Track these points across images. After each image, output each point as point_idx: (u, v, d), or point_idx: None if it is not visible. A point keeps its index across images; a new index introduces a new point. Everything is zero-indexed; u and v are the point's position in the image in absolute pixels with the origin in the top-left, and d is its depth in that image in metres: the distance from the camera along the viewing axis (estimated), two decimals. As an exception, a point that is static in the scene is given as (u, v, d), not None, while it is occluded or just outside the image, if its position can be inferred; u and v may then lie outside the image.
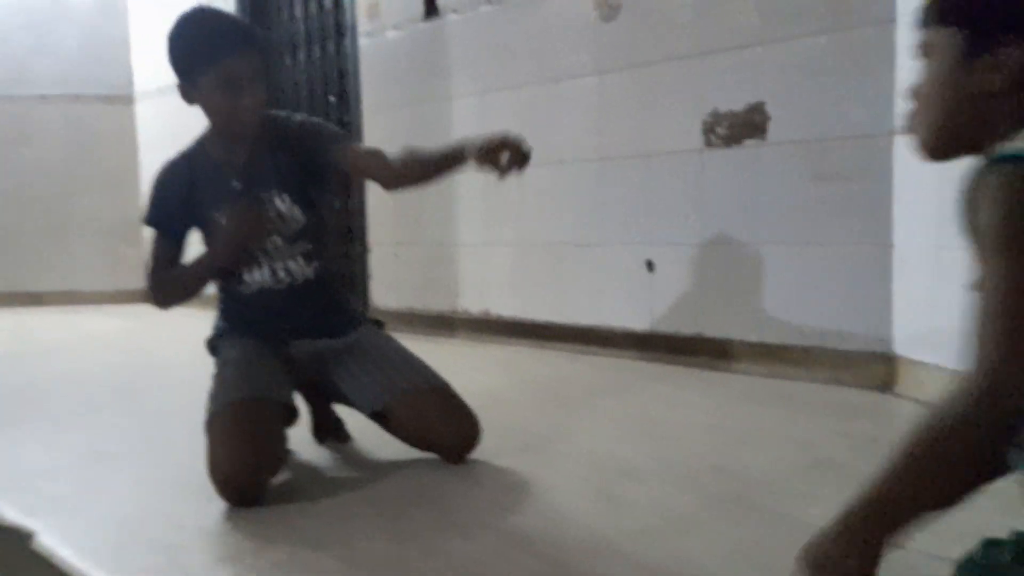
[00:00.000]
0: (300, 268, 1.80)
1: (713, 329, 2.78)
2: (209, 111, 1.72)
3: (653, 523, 1.37)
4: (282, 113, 1.83)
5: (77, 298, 5.49)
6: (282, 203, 1.77)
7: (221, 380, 1.69)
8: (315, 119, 1.83)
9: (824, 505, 1.44)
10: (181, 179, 1.79)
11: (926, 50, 0.93)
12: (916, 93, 0.95)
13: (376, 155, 1.77)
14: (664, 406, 2.28)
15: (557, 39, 3.14)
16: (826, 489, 1.54)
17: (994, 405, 0.75)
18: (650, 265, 2.92)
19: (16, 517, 1.47)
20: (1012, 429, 0.79)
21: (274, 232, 1.77)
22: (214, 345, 1.85)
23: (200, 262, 1.76)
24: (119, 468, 1.78)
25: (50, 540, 1.36)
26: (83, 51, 5.46)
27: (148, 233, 1.84)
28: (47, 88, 5.43)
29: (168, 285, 1.79)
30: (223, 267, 1.78)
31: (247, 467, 1.51)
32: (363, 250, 4.02)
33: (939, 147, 0.93)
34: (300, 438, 1.86)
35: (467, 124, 3.48)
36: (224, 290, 1.86)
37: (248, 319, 1.82)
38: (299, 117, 1.82)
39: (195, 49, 1.66)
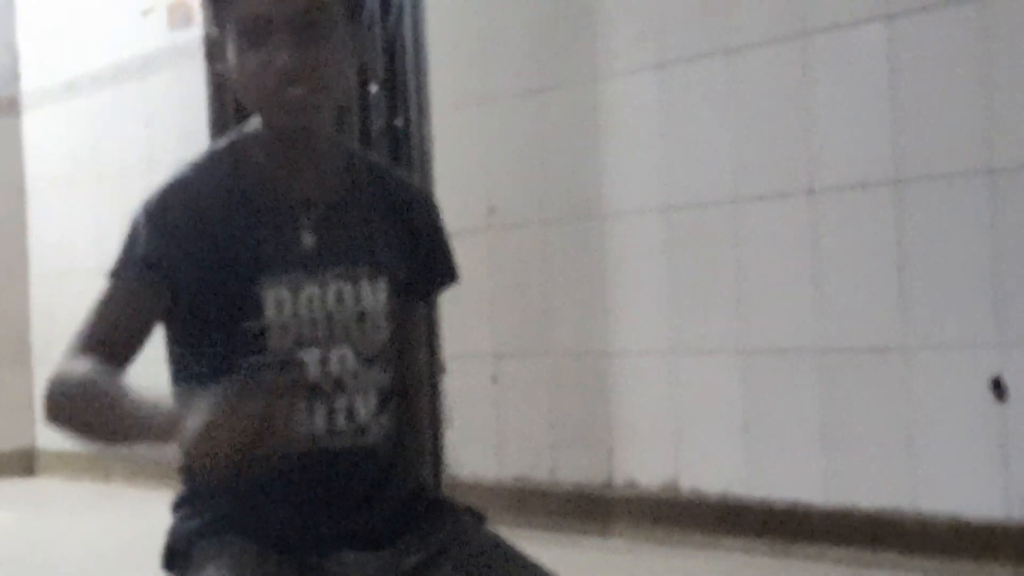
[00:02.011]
0: (372, 415, 1.79)
1: None
2: (237, 82, 1.74)
3: None
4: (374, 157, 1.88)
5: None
6: (374, 293, 1.78)
7: None
8: (436, 202, 1.91)
9: None
10: (213, 210, 1.75)
11: None
12: None
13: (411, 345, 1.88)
14: None
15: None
16: None
17: None
18: (998, 387, 2.83)
19: None
20: None
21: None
22: (182, 553, 1.82)
23: (134, 418, 1.75)
24: None
25: None
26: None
27: (94, 291, 1.82)
28: None
29: (85, 401, 1.75)
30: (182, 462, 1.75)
31: None
32: (431, 370, 4.03)
33: None
34: None
35: (636, 125, 3.54)
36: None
37: (258, 508, 1.78)
38: (415, 182, 1.90)
39: None
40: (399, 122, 4.19)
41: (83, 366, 1.63)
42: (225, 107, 4.80)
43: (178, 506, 1.83)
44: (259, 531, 1.73)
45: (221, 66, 1.72)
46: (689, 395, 3.46)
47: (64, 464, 5.63)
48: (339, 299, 1.76)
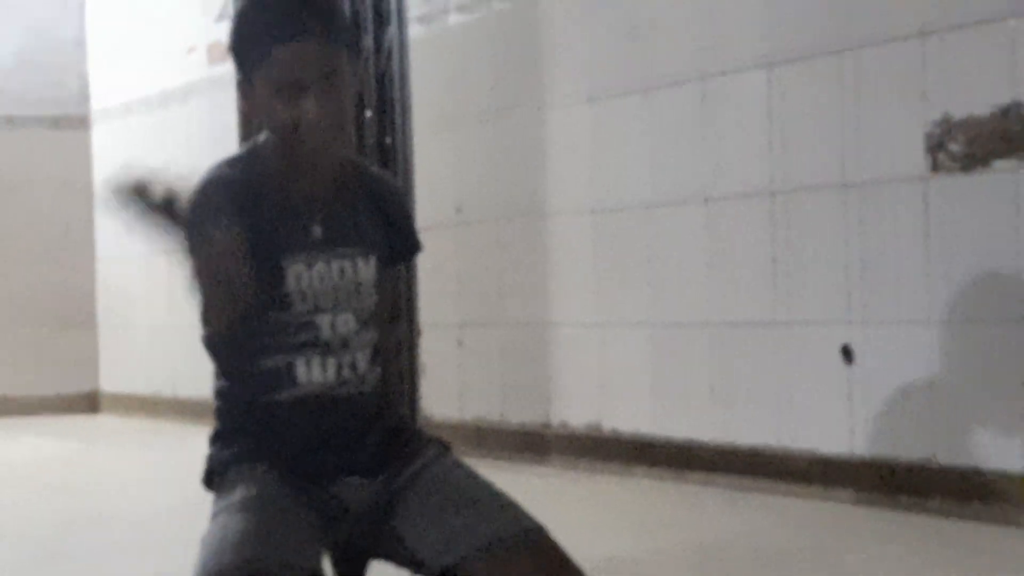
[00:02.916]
0: (367, 366, 1.81)
1: (954, 452, 2.70)
2: (266, 122, 1.73)
3: None
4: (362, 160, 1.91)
5: (5, 407, 5.61)
6: (366, 269, 1.80)
7: (224, 528, 1.65)
8: (403, 191, 1.94)
9: None
10: (249, 199, 1.72)
11: None
12: None
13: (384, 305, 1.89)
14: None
15: (705, 15, 3.19)
16: None
17: None
18: (847, 353, 2.87)
19: None
20: None
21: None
22: (218, 475, 1.82)
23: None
24: None
25: None
26: (24, 58, 5.72)
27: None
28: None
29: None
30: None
31: None
32: (410, 334, 4.04)
33: None
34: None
35: (573, 146, 3.55)
36: (237, 397, 1.83)
37: (278, 443, 1.78)
38: (389, 176, 1.96)
39: (250, 30, 1.70)
40: (388, 140, 4.19)
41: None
42: (252, 129, 4.79)
43: (214, 439, 1.85)
44: (279, 460, 1.74)
45: (245, 106, 1.72)
46: (610, 357, 3.47)
47: (121, 404, 5.62)
48: (341, 273, 1.79)
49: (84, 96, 5.81)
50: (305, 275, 1.73)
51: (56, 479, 3.80)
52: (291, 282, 1.73)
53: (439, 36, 3.96)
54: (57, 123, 5.78)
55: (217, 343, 1.69)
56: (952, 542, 2.49)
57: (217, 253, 1.68)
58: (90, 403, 5.79)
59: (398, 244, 1.87)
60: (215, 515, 1.70)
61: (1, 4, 5.74)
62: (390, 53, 4.17)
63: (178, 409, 5.01)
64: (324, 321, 1.76)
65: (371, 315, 1.82)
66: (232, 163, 1.77)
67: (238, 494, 1.69)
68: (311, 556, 1.66)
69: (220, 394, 1.83)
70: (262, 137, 1.77)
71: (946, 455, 2.71)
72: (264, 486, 1.70)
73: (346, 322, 1.77)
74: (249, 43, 1.68)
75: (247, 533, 1.60)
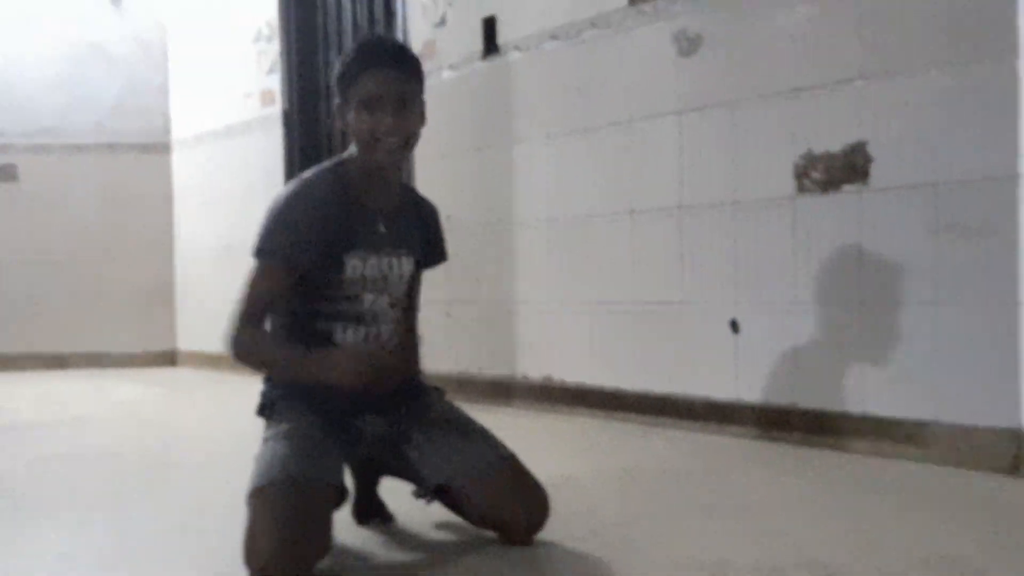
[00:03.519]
0: (390, 338, 1.83)
1: (809, 399, 2.72)
2: (353, 133, 1.75)
3: (747, 628, 1.31)
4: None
5: (103, 361, 5.64)
6: (408, 266, 1.86)
7: (273, 450, 1.64)
8: (439, 213, 2.03)
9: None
10: (323, 205, 1.72)
11: None
12: None
13: (412, 311, 1.98)
14: (757, 492, 2.21)
15: (632, 77, 3.18)
16: (952, 591, 1.46)
17: None
18: (734, 325, 2.89)
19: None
20: None
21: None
22: (268, 408, 1.79)
23: (301, 365, 1.69)
24: (148, 561, 1.72)
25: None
26: (120, 99, 5.70)
27: (246, 266, 1.75)
28: (83, 138, 5.66)
29: (256, 350, 1.72)
30: (322, 383, 1.68)
31: (291, 553, 1.48)
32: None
33: None
34: (340, 519, 1.84)
35: (533, 172, 3.54)
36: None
37: (318, 388, 1.73)
38: (431, 201, 2.01)
39: (348, 64, 1.74)
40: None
41: (252, 321, 1.71)
42: (293, 157, 4.78)
43: (267, 381, 1.86)
44: (317, 401, 1.76)
45: (340, 122, 1.77)
46: (561, 329, 3.47)
47: (193, 360, 5.58)
48: (390, 266, 1.82)
49: (166, 129, 5.78)
50: (360, 265, 1.77)
51: (148, 413, 3.81)
52: (348, 269, 1.76)
53: (435, 88, 3.94)
54: (146, 149, 5.76)
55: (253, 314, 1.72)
56: (809, 465, 2.51)
57: (262, 270, 1.72)
58: (170, 359, 5.80)
59: (432, 254, 1.96)
60: (265, 440, 1.72)
61: (107, 62, 5.69)
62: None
63: (235, 364, 4.98)
64: (367, 299, 1.79)
65: (399, 300, 1.85)
66: (315, 177, 1.78)
67: (283, 425, 1.72)
68: (335, 472, 1.69)
69: None
70: (347, 153, 1.80)
71: (805, 401, 2.74)
72: (302, 420, 1.73)
73: (381, 302, 1.80)
74: (347, 73, 1.74)
75: (288, 455, 1.63)
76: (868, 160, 2.56)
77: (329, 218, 1.72)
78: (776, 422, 2.80)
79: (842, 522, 1.90)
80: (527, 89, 3.53)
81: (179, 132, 5.72)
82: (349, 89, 1.71)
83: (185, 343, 5.71)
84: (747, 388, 2.88)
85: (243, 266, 1.78)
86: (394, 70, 1.70)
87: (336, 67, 1.75)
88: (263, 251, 1.70)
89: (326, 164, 1.80)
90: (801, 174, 2.72)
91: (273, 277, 1.72)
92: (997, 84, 2.31)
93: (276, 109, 4.88)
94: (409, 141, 1.75)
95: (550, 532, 1.76)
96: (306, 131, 4.78)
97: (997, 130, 2.32)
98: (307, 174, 1.78)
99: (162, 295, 5.73)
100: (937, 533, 1.80)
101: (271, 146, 4.91)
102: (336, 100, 1.76)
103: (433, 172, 3.90)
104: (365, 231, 1.77)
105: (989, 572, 1.56)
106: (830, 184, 2.65)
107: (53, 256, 5.63)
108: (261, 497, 1.56)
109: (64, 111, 5.64)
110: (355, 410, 1.79)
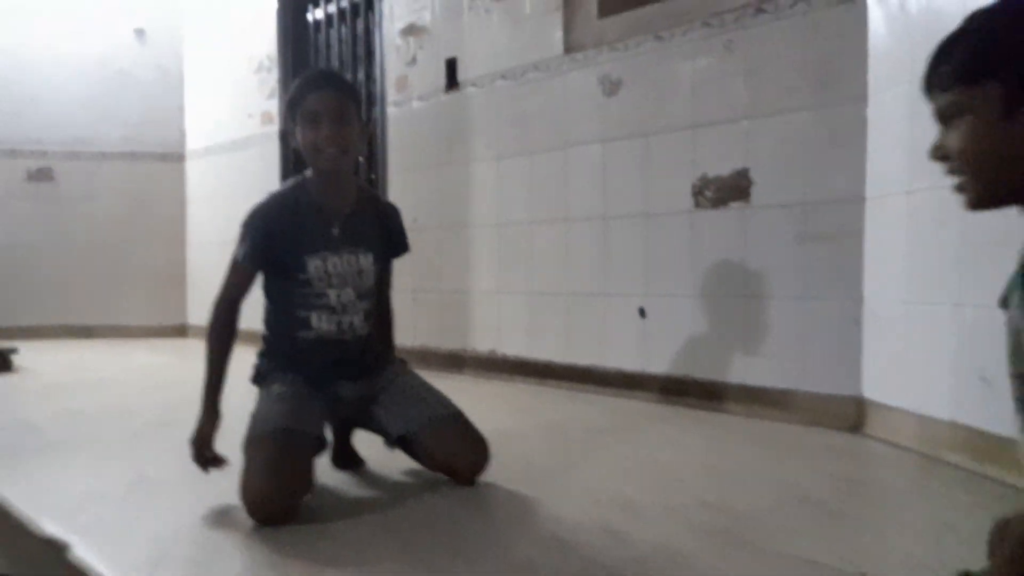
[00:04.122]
0: (361, 325, 1.80)
1: (701, 372, 2.76)
2: (301, 147, 1.70)
3: (648, 555, 1.33)
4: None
5: (124, 332, 5.50)
6: (366, 261, 1.78)
7: (266, 408, 1.65)
8: (401, 217, 1.94)
9: (806, 539, 1.40)
10: (285, 216, 1.70)
11: (953, 112, 0.86)
12: (953, 154, 0.87)
13: (384, 294, 1.96)
14: (658, 444, 2.24)
15: (566, 111, 3.18)
16: (807, 524, 1.50)
17: None
18: (643, 312, 2.92)
19: (55, 531, 1.44)
20: None
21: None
22: (261, 376, 1.79)
23: (204, 394, 1.71)
24: (159, 493, 1.74)
25: (85, 553, 1.32)
26: (143, 115, 5.54)
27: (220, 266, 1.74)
28: (110, 147, 5.50)
29: (214, 339, 1.73)
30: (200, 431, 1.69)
31: (280, 492, 1.48)
32: (385, 295, 4.02)
33: (990, 201, 0.86)
34: (321, 464, 1.82)
35: (485, 185, 3.52)
36: (277, 332, 1.81)
37: (301, 361, 1.75)
38: (390, 202, 1.95)
39: (294, 91, 1.69)
40: (374, 177, 4.15)
41: (225, 310, 1.70)
42: (289, 167, 4.71)
43: (261, 354, 1.84)
44: (303, 372, 1.75)
45: (293, 142, 1.72)
46: (504, 312, 3.46)
47: (201, 333, 5.43)
48: (350, 263, 1.78)
49: (182, 142, 5.62)
50: (321, 264, 1.72)
51: (162, 377, 3.70)
52: (311, 269, 1.72)
53: (406, 115, 3.92)
54: (164, 158, 5.60)
55: (229, 301, 1.73)
56: (701, 424, 2.54)
57: (234, 266, 1.70)
58: (181, 331, 5.65)
59: (395, 245, 1.90)
60: (260, 401, 1.70)
61: (131, 84, 5.53)
62: (376, 124, 4.14)
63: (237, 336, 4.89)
64: (332, 294, 1.76)
65: (366, 291, 1.81)
66: (281, 192, 1.76)
67: (275, 389, 1.70)
68: (317, 426, 1.68)
69: (267, 328, 1.82)
70: (307, 173, 1.76)
71: (697, 373, 2.78)
72: (291, 384, 1.71)
73: (348, 295, 1.77)
74: (294, 98, 1.70)
75: (279, 411, 1.62)
76: (750, 183, 2.60)
77: (286, 226, 1.70)
78: (675, 389, 2.83)
79: (726, 470, 1.94)
80: (481, 118, 3.51)
81: (192, 144, 5.57)
82: (295, 110, 1.67)
83: (194, 318, 5.59)
84: (652, 362, 2.91)
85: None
86: (331, 89, 1.66)
87: (287, 95, 1.71)
88: (235, 254, 1.72)
89: (291, 180, 1.78)
90: (698, 193, 2.75)
91: (241, 274, 1.72)
92: (850, 124, 2.37)
93: (274, 128, 4.79)
94: (348, 150, 1.68)
95: (491, 475, 1.77)
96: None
97: (849, 161, 2.37)
98: (275, 190, 1.77)
99: (175, 277, 5.59)
100: (798, 478, 1.84)
101: (269, 158, 4.82)
102: (289, 124, 1.72)
103: (404, 183, 3.87)
104: (321, 235, 1.73)
105: (834, 506, 1.61)
106: (720, 201, 2.69)
107: (82, 244, 5.47)
108: (255, 445, 1.55)
109: (94, 124, 5.47)
110: (334, 378, 1.78)
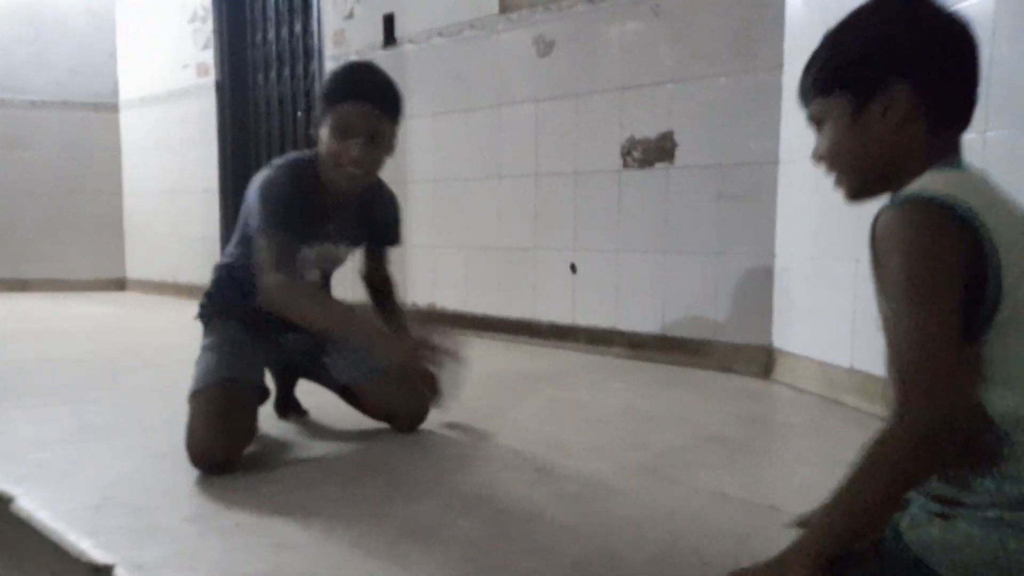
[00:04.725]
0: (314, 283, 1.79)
1: (626, 323, 2.82)
2: (322, 148, 1.58)
3: (576, 490, 1.39)
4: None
5: (61, 285, 5.28)
6: (344, 251, 1.78)
7: (209, 358, 1.60)
8: (399, 209, 1.86)
9: (714, 471, 1.48)
10: (304, 192, 1.59)
11: (819, 119, 0.94)
12: (823, 156, 0.94)
13: (381, 270, 1.88)
14: (586, 390, 2.30)
15: (500, 70, 3.14)
16: (716, 459, 1.58)
17: (929, 452, 0.72)
18: (573, 267, 2.95)
19: None
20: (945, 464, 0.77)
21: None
22: (207, 318, 1.72)
23: (349, 324, 1.52)
24: (103, 440, 1.71)
25: (29, 504, 1.30)
26: (75, 62, 5.24)
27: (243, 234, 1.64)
28: (41, 95, 5.19)
29: (302, 302, 1.53)
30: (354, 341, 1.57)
31: (223, 441, 1.47)
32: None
33: (863, 193, 0.92)
34: (264, 413, 1.82)
35: (421, 141, 3.47)
36: (234, 274, 1.74)
37: (252, 310, 1.64)
38: (393, 194, 1.83)
39: (334, 84, 1.56)
40: (312, 131, 4.04)
41: (289, 276, 1.52)
42: (224, 120, 4.54)
43: (209, 294, 1.79)
44: (249, 319, 1.72)
45: (315, 131, 1.61)
46: (440, 266, 3.45)
47: (140, 286, 5.27)
48: (327, 252, 1.75)
49: (115, 91, 5.35)
50: (307, 251, 1.69)
51: (103, 328, 3.59)
52: (305, 252, 1.69)
53: (344, 70, 3.81)
54: (98, 108, 5.33)
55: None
56: (626, 372, 2.58)
57: (277, 243, 1.54)
58: (119, 285, 5.46)
59: (386, 235, 1.85)
60: (203, 348, 1.67)
61: (62, 30, 5.22)
62: (313, 76, 4.02)
63: (177, 290, 4.76)
64: (309, 274, 1.73)
65: (330, 274, 1.81)
66: (299, 165, 1.62)
67: (216, 336, 1.67)
68: (259, 374, 1.67)
69: (225, 267, 1.76)
70: (315, 152, 1.64)
71: (623, 325, 2.84)
72: (232, 332, 1.69)
73: (313, 275, 1.75)
74: (330, 94, 1.56)
75: (220, 362, 1.60)
76: (674, 145, 2.64)
77: (305, 209, 1.63)
78: (602, 340, 2.89)
79: (647, 412, 2.01)
80: (418, 75, 3.45)
81: (126, 94, 5.31)
82: (329, 109, 1.55)
83: (133, 271, 5.40)
84: (581, 314, 2.96)
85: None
86: (371, 105, 1.53)
87: (326, 78, 1.57)
88: (278, 226, 1.54)
89: (302, 158, 1.64)
90: (625, 153, 2.78)
91: (286, 241, 1.56)
92: (766, 90, 2.42)
93: (210, 80, 4.60)
94: (371, 172, 1.60)
95: (430, 424, 1.79)
96: (235, 99, 4.54)
97: (765, 125, 2.43)
98: (289, 162, 1.61)
99: (112, 230, 5.37)
100: (712, 419, 1.93)
101: (206, 110, 4.64)
102: (319, 107, 1.59)
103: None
104: (319, 228, 1.69)
105: (742, 443, 1.70)
106: (646, 162, 2.72)
107: (14, 194, 5.19)
108: (198, 397, 1.53)
109: (21, 70, 5.14)
110: (280, 328, 1.76)
